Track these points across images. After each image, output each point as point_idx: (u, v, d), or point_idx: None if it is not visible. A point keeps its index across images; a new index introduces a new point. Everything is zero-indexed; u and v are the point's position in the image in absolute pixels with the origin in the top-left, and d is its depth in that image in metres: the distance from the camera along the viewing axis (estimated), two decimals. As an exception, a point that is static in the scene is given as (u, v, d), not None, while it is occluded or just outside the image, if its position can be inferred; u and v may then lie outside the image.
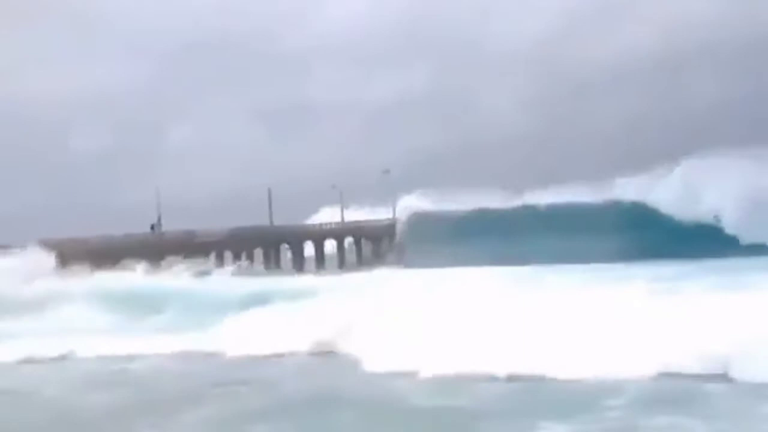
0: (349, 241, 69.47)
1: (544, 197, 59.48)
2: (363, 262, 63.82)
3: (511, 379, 21.63)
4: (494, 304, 26.24)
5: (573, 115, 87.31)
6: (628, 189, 55.62)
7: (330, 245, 68.88)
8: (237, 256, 65.23)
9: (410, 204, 65.41)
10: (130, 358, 29.28)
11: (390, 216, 68.12)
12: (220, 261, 64.67)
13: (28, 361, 30.18)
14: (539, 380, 21.24)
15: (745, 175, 49.60)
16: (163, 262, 61.98)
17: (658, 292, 25.92)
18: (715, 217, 50.29)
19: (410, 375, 22.44)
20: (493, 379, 21.70)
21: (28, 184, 77.37)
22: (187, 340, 30.59)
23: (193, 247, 63.65)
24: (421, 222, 61.30)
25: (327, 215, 73.20)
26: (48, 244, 58.02)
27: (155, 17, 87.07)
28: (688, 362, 20.73)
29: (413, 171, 72.53)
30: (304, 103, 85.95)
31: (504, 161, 77.71)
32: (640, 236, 49.28)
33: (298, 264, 65.90)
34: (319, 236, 68.52)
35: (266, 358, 27.56)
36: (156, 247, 62.53)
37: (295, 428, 18.49)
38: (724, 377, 20.02)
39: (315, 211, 73.77)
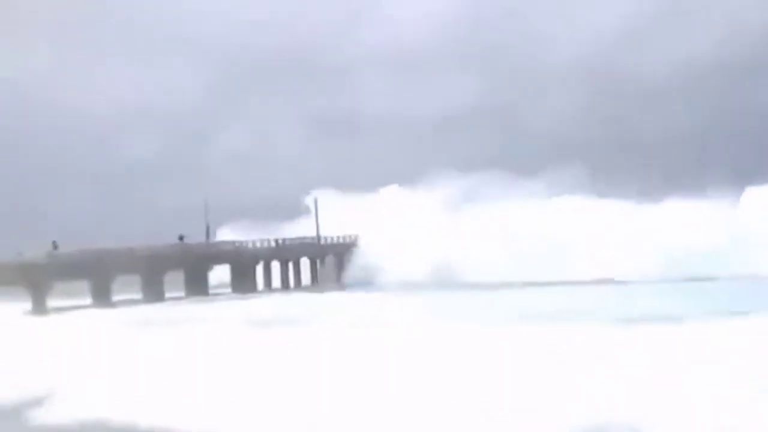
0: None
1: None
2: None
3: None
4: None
5: (626, 126, 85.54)
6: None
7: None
8: (284, 266, 65.03)
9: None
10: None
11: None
12: (267, 271, 64.62)
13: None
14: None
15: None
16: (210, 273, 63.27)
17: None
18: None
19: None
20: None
21: (78, 191, 77.68)
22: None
23: (241, 257, 63.48)
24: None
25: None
26: (93, 253, 58.21)
27: (205, 28, 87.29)
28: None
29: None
30: (351, 113, 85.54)
31: (556, 173, 76.36)
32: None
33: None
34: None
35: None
36: (204, 257, 62.36)
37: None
38: None
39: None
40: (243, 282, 62.51)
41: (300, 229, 67.97)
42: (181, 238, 63.07)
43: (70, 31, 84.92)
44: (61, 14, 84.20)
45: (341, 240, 67.86)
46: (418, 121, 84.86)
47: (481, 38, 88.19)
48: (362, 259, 65.17)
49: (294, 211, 69.89)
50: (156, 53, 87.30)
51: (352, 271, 65.60)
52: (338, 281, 65.46)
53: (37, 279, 54.33)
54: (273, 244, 65.35)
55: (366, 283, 61.67)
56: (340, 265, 67.10)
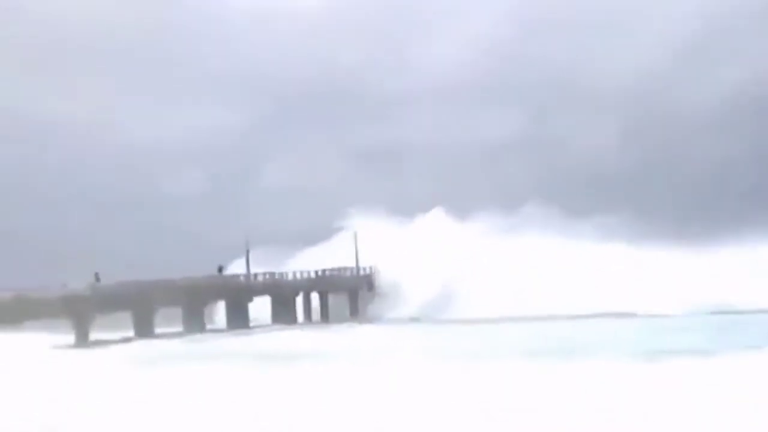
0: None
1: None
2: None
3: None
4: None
5: (668, 157, 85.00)
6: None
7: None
8: (324, 298, 65.24)
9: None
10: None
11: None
12: (307, 302, 64.89)
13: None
14: None
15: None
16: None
17: None
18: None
19: None
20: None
21: (121, 224, 78.78)
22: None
23: (281, 289, 63.76)
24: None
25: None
26: (135, 284, 58.87)
27: (250, 62, 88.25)
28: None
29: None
30: (396, 145, 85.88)
31: (599, 203, 76.04)
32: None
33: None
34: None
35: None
36: (245, 289, 62.72)
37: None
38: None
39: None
40: (283, 314, 62.78)
41: (340, 259, 67.89)
42: (220, 269, 63.53)
43: (119, 68, 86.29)
44: (112, 53, 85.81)
45: (372, 271, 67.69)
46: (462, 152, 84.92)
47: (526, 69, 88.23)
48: (389, 290, 64.97)
49: (334, 241, 69.74)
50: (201, 89, 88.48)
51: (378, 304, 65.39)
52: (363, 314, 65.33)
53: (80, 311, 54.99)
54: (312, 275, 65.65)
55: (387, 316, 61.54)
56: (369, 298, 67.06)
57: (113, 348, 49.94)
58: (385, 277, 65.85)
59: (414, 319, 60.40)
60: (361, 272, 67.67)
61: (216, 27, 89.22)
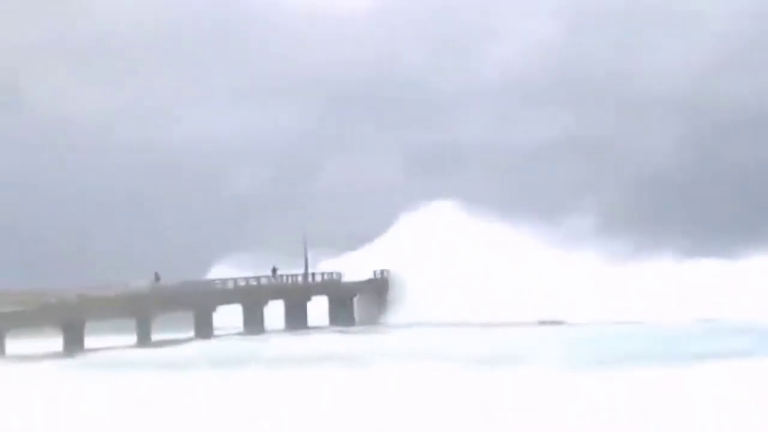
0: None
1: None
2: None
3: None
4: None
5: (719, 158, 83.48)
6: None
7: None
8: (381, 298, 65.09)
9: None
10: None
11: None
12: (363, 304, 64.86)
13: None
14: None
15: None
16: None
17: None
18: None
19: None
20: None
21: (184, 223, 79.21)
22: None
23: (339, 290, 63.89)
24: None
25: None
26: (195, 284, 59.39)
27: (308, 62, 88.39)
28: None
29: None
30: (453, 145, 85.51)
31: (652, 204, 75.18)
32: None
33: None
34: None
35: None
36: (303, 290, 62.84)
37: None
38: None
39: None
40: (341, 315, 62.85)
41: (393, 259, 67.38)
42: (274, 270, 63.58)
43: (180, 68, 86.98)
44: (173, 53, 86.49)
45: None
46: (516, 153, 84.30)
47: (580, 69, 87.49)
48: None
49: (387, 241, 69.43)
50: (259, 89, 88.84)
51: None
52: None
53: (142, 311, 55.50)
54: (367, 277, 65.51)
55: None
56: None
57: (178, 348, 50.46)
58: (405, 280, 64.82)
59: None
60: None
61: (276, 27, 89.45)
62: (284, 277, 63.51)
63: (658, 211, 68.23)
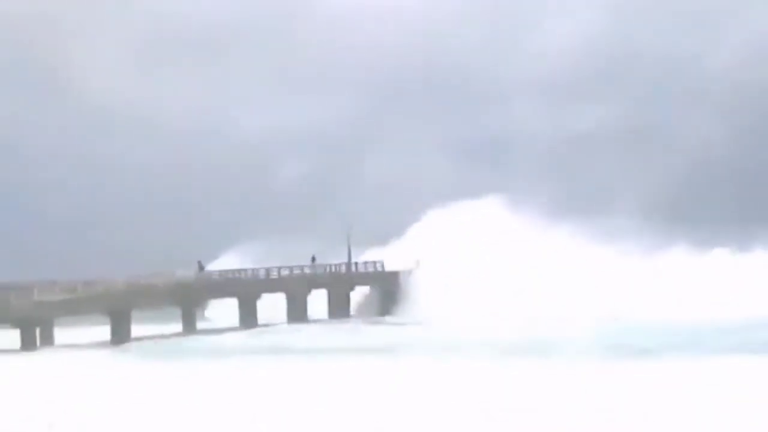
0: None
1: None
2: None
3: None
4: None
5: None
6: None
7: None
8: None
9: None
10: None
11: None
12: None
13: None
14: None
15: None
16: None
17: None
18: None
19: None
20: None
21: (224, 215, 79.70)
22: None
23: (383, 280, 63.81)
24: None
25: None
26: (239, 272, 59.60)
27: (355, 53, 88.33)
28: None
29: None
30: (499, 136, 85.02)
31: (702, 196, 74.23)
32: None
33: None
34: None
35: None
36: (347, 279, 62.86)
37: None
38: None
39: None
40: (385, 305, 62.82)
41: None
42: (313, 259, 63.57)
43: (230, 61, 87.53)
44: (223, 46, 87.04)
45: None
46: (562, 144, 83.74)
47: (627, 60, 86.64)
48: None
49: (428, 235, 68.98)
50: (305, 81, 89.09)
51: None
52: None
53: (188, 299, 55.76)
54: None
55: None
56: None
57: (223, 336, 50.74)
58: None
59: None
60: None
61: (321, 18, 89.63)
62: (327, 267, 63.64)
63: (709, 203, 67.09)
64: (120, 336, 50.82)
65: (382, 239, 65.71)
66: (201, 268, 59.94)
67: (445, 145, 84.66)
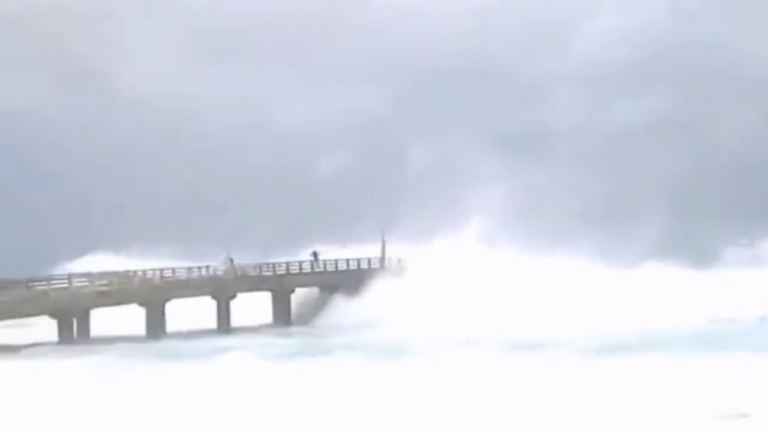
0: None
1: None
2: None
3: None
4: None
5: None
6: None
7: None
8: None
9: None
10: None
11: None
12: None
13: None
14: None
15: None
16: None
17: None
18: None
19: None
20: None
21: (262, 206, 79.73)
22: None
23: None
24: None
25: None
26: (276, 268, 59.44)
27: (398, 45, 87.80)
28: None
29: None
30: (540, 129, 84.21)
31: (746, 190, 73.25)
32: None
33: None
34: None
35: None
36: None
37: None
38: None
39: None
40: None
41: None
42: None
43: (274, 53, 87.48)
44: (267, 38, 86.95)
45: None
46: (607, 138, 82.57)
47: (677, 52, 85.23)
48: None
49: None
50: (345, 73, 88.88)
51: None
52: None
53: (223, 292, 55.76)
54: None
55: None
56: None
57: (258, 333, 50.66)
58: None
59: None
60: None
61: (363, 8, 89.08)
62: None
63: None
64: (155, 330, 51.04)
65: (423, 236, 64.49)
66: (230, 261, 59.72)
67: (488, 138, 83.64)
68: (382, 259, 63.64)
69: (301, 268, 60.84)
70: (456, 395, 26.52)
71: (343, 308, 56.68)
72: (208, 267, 57.41)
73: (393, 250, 63.72)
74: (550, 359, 34.03)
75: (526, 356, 35.23)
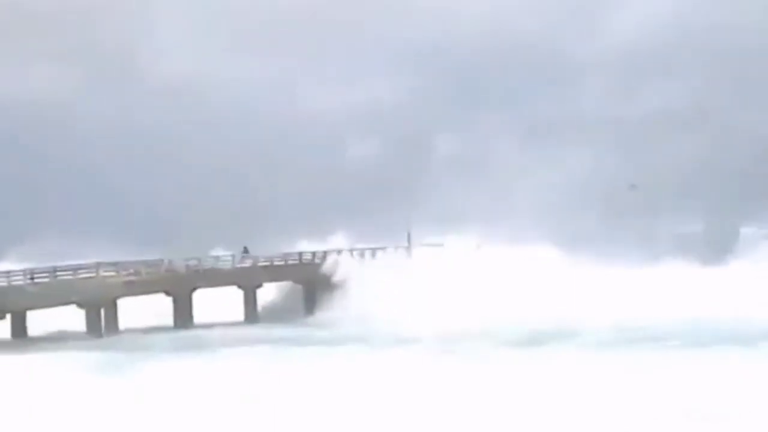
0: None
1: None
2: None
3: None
4: None
5: None
6: None
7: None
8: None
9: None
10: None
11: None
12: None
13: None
14: None
15: None
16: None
17: None
18: None
19: None
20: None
21: (300, 192, 79.46)
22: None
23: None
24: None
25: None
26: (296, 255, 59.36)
27: (425, 30, 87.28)
28: None
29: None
30: (571, 117, 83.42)
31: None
32: None
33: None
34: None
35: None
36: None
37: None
38: None
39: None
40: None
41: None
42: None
43: (303, 41, 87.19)
44: (297, 25, 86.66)
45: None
46: (635, 125, 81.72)
47: (702, 41, 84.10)
48: None
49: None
50: (373, 61, 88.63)
51: None
52: None
53: (249, 283, 55.67)
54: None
55: None
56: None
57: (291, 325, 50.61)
58: None
59: None
60: None
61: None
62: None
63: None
64: (182, 320, 51.15)
65: (451, 226, 63.83)
66: (245, 252, 59.44)
67: (516, 128, 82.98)
68: (408, 248, 63.48)
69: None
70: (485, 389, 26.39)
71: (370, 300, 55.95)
72: (233, 256, 57.33)
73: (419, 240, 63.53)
74: (558, 353, 34.69)
75: (540, 350, 35.81)
